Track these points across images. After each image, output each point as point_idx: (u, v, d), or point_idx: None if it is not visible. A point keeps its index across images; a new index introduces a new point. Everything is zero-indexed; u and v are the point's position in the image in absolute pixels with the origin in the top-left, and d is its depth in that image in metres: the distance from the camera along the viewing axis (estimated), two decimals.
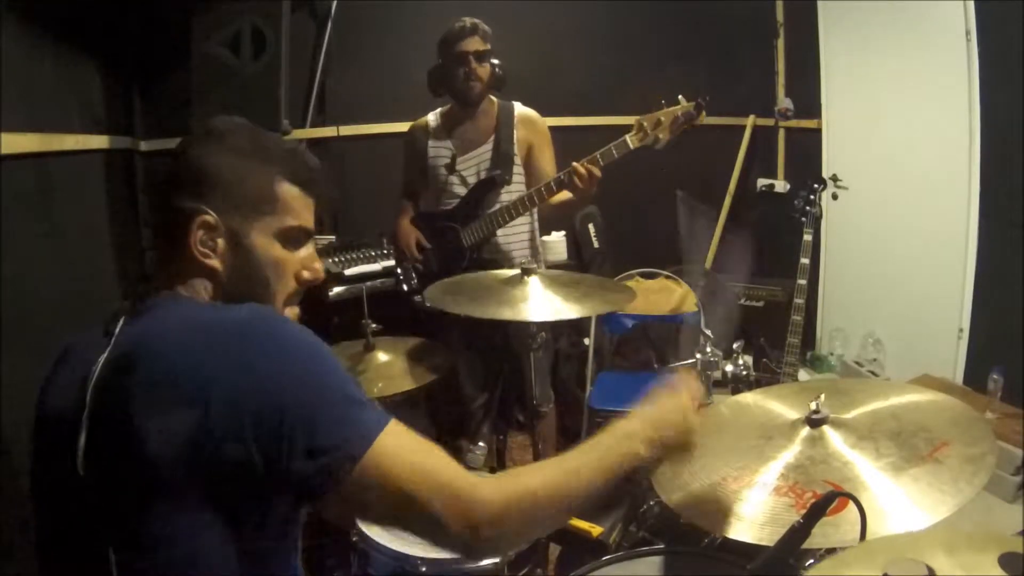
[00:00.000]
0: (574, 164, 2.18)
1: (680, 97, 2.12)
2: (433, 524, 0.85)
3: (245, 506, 0.86)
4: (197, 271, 0.96)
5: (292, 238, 1.01)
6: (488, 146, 2.51)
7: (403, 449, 0.86)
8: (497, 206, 2.47)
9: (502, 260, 2.49)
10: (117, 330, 0.91)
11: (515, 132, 2.51)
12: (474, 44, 2.38)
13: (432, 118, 2.57)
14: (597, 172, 2.15)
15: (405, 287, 2.54)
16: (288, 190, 1.00)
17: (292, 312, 1.05)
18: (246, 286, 0.98)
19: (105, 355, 0.89)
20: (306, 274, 1.04)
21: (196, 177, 0.96)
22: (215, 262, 0.96)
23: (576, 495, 0.93)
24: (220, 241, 0.96)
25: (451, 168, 2.50)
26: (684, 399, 1.07)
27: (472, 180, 2.52)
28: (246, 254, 0.98)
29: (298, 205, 1.01)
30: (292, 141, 1.04)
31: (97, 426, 0.86)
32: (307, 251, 1.04)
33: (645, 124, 2.14)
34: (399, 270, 2.61)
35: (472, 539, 0.85)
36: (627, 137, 2.15)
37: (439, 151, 2.52)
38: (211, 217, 0.95)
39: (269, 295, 1.00)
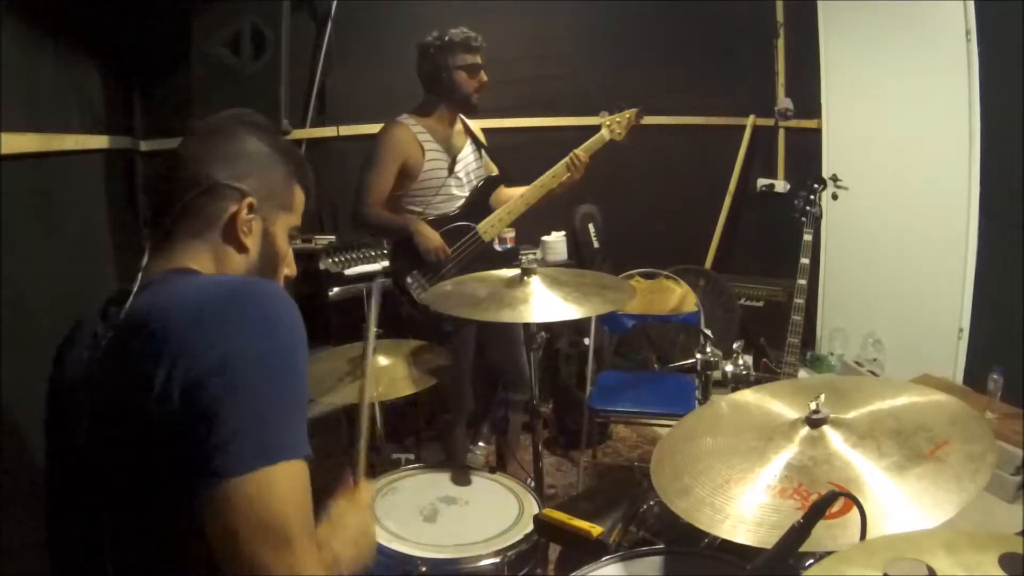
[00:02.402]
0: (575, 151, 2.53)
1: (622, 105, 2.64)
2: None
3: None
4: (228, 246, 1.01)
5: (292, 235, 1.10)
6: (470, 148, 2.65)
7: (291, 488, 0.83)
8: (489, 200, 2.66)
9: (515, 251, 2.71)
10: (127, 306, 0.91)
11: (476, 135, 2.71)
12: (480, 58, 2.54)
13: (412, 123, 2.54)
14: (587, 159, 2.54)
15: (421, 296, 2.48)
16: (298, 192, 1.09)
17: None
18: (262, 273, 1.04)
19: (106, 342, 0.91)
20: (287, 270, 1.12)
21: (238, 161, 1.01)
22: (251, 243, 1.02)
23: None
24: (255, 224, 1.02)
25: (450, 171, 2.55)
26: (359, 508, 1.11)
27: (466, 181, 2.60)
28: (270, 243, 1.05)
29: (300, 207, 1.11)
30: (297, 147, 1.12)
31: (99, 398, 0.88)
32: (291, 250, 1.12)
33: (610, 123, 2.60)
34: (408, 279, 2.53)
35: None
36: (602, 132, 2.60)
37: (435, 155, 2.52)
38: (254, 200, 1.01)
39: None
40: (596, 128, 2.60)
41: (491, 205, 2.64)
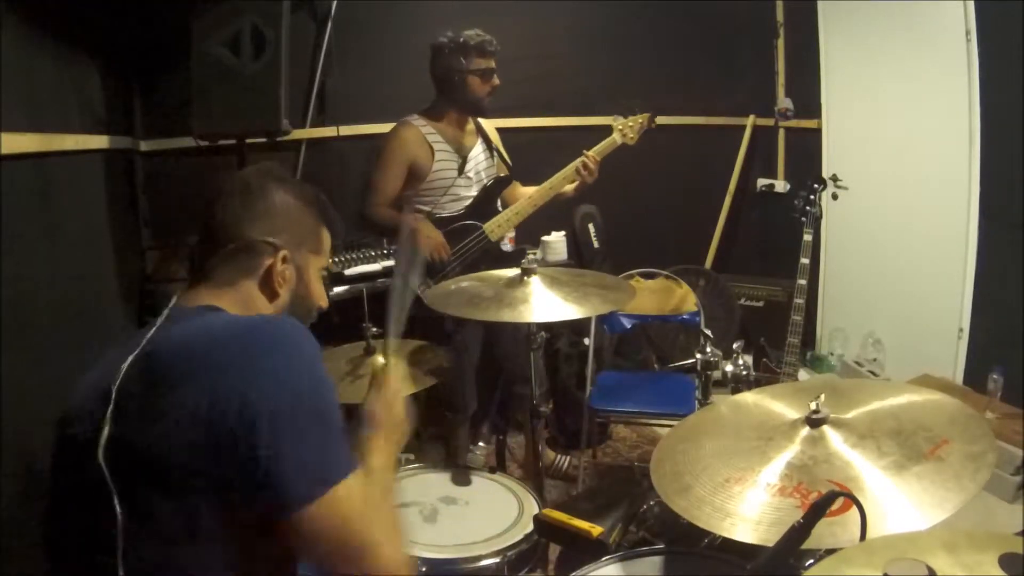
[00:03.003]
0: (586, 152, 2.52)
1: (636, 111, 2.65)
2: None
3: (236, 506, 0.88)
4: (262, 293, 1.10)
5: (323, 276, 1.20)
6: (480, 148, 2.65)
7: (353, 501, 0.89)
8: (498, 201, 2.65)
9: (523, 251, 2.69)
10: (149, 335, 0.98)
11: (488, 134, 2.70)
12: (494, 61, 2.55)
13: (422, 123, 2.55)
14: (599, 161, 2.52)
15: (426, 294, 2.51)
16: (325, 235, 1.19)
17: None
18: (296, 310, 1.14)
19: (131, 357, 0.95)
20: (320, 303, 1.21)
21: (271, 217, 1.10)
22: (284, 291, 1.11)
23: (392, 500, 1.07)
24: (289, 274, 1.11)
25: (460, 171, 2.55)
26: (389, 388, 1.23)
27: (476, 181, 2.59)
28: (303, 285, 1.15)
29: (328, 248, 1.21)
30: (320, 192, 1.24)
31: (119, 422, 0.91)
32: (323, 287, 1.22)
33: (622, 127, 2.59)
34: (410, 276, 2.55)
35: None
36: (614, 136, 2.59)
37: (445, 156, 2.54)
38: (288, 252, 1.10)
39: (307, 319, 1.16)
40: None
41: (500, 205, 2.64)
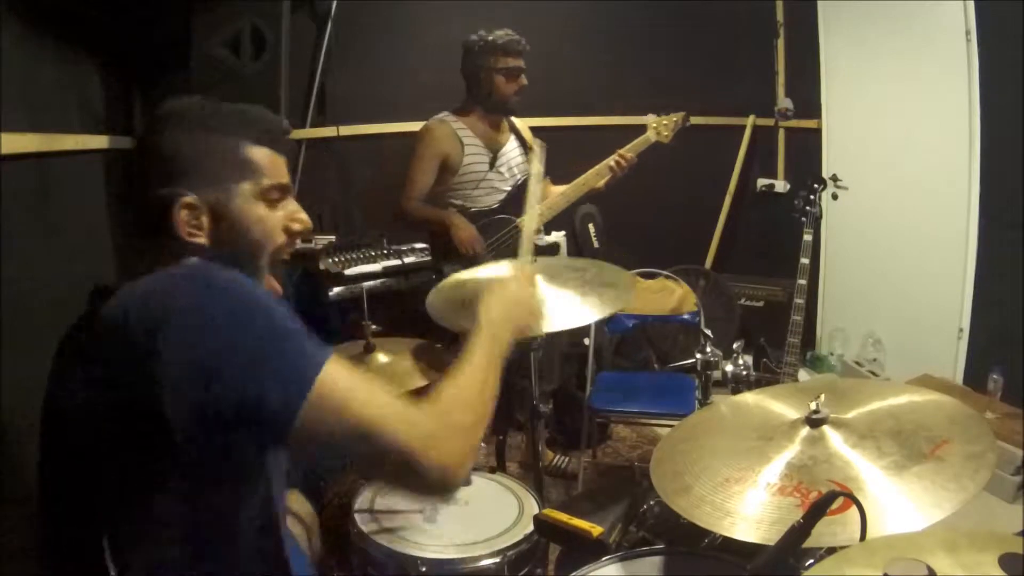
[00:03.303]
0: (620, 152, 2.60)
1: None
2: (399, 466, 0.89)
3: (204, 456, 0.87)
4: (184, 250, 0.98)
5: (271, 197, 1.04)
6: (514, 144, 2.74)
7: (339, 390, 0.87)
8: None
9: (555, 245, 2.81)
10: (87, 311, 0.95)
11: (521, 133, 2.77)
12: (520, 61, 2.61)
13: (453, 120, 2.62)
14: (633, 159, 2.61)
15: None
16: (256, 152, 1.03)
17: (269, 283, 1.07)
18: (236, 249, 1.01)
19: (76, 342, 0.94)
20: (295, 226, 1.08)
21: (165, 164, 0.98)
22: (202, 239, 0.99)
23: (484, 388, 1.03)
24: (204, 218, 0.99)
25: (491, 165, 2.64)
26: (518, 281, 1.25)
27: (509, 176, 2.68)
28: (231, 222, 1.00)
29: (269, 164, 1.04)
30: (250, 105, 1.10)
31: (76, 406, 0.90)
32: (291, 205, 1.08)
33: (656, 125, 2.64)
34: (445, 268, 2.60)
35: (436, 469, 0.89)
36: (648, 134, 2.66)
37: (475, 151, 2.62)
38: (191, 198, 0.97)
39: (259, 252, 1.04)
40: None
41: None
